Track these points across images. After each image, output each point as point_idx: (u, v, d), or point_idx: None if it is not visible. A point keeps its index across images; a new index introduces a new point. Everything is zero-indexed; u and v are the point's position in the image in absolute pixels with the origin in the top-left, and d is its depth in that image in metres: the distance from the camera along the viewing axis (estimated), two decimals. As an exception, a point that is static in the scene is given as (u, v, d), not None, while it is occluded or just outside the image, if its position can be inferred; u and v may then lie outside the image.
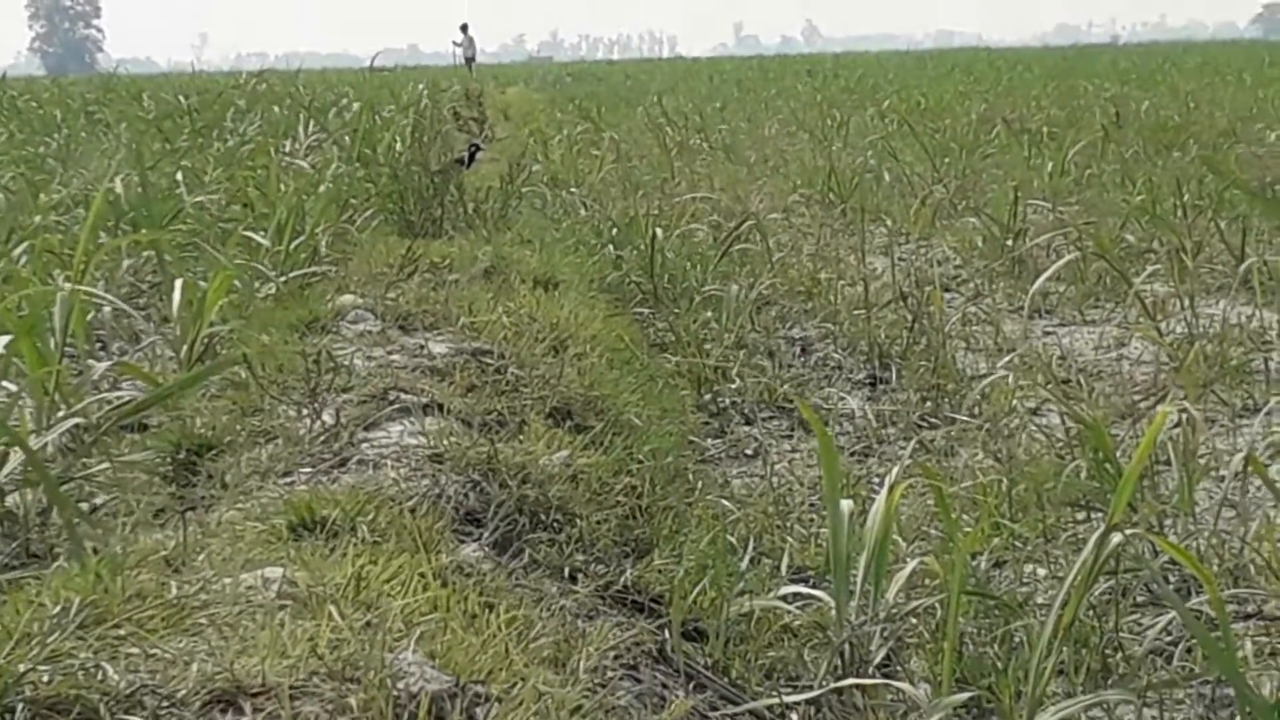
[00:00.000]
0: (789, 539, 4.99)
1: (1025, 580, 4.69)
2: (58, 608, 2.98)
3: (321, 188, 9.50)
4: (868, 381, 7.54)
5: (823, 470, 4.16)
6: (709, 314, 8.25)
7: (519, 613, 3.45)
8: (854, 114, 21.92)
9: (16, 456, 3.99)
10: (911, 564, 4.04)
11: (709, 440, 6.58)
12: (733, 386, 7.16)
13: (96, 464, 4.46)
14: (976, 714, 3.92)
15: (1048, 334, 8.39)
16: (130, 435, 5.00)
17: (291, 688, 2.74)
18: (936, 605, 4.07)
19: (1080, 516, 5.03)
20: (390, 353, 5.77)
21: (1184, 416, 5.12)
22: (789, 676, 4.03)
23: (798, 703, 3.74)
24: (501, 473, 4.40)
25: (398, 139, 11.43)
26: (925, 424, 6.65)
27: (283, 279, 7.33)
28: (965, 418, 6.49)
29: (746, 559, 4.64)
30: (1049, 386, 6.52)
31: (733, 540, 4.78)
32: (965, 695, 3.47)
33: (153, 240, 7.14)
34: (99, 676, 2.73)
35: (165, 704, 2.70)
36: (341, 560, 3.48)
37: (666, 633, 3.90)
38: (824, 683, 3.77)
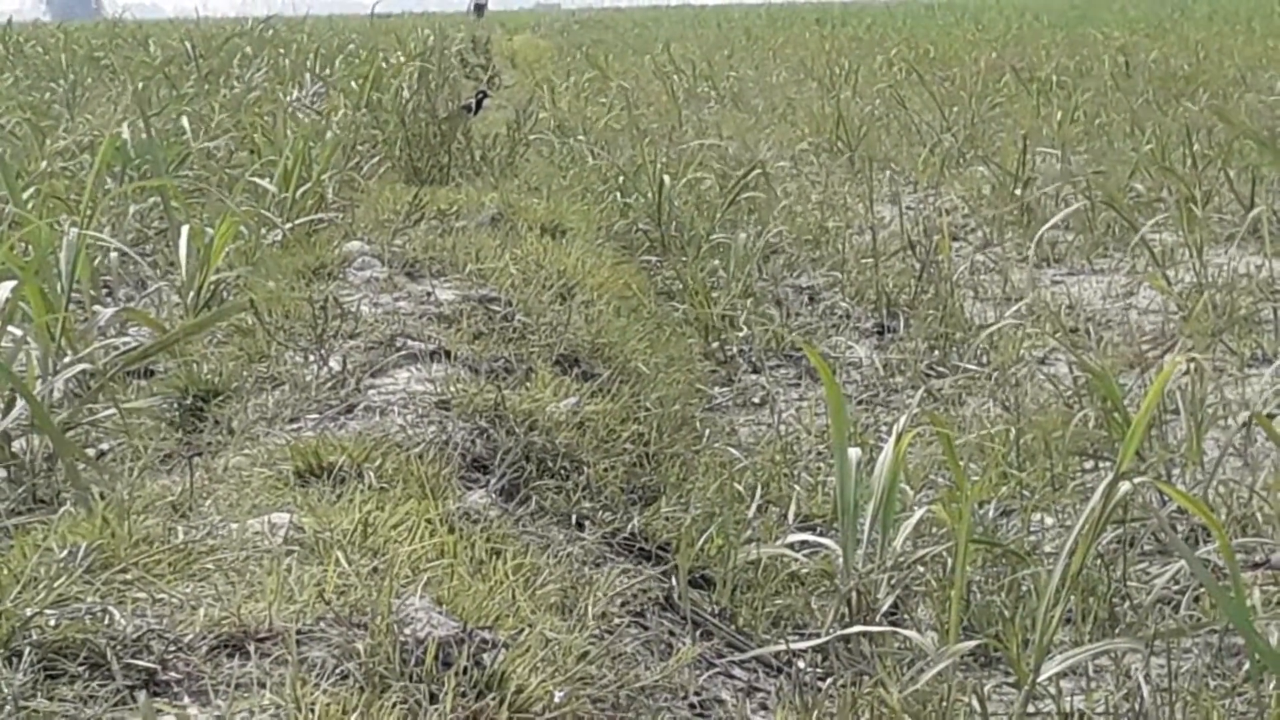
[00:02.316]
0: (796, 487, 4.98)
1: (1033, 529, 4.69)
2: (64, 552, 2.98)
3: (328, 134, 9.47)
4: (875, 330, 7.53)
5: (830, 418, 4.16)
6: (716, 262, 8.22)
7: (526, 559, 3.45)
8: (862, 62, 21.82)
9: (22, 402, 3.98)
10: (919, 512, 4.04)
11: (716, 388, 6.57)
12: (740, 335, 7.15)
13: (103, 410, 4.45)
14: (983, 662, 3.93)
15: (1056, 283, 8.37)
16: (137, 381, 5.00)
17: (298, 632, 2.74)
18: (944, 553, 4.07)
19: (1088, 465, 5.03)
20: (397, 299, 5.76)
21: (1192, 366, 5.11)
22: (796, 624, 4.03)
23: (804, 650, 3.74)
24: (509, 420, 4.40)
25: (405, 86, 11.39)
26: (933, 373, 6.64)
27: (289, 225, 7.32)
28: (973, 366, 6.49)
29: (754, 507, 4.64)
30: (1057, 335, 6.51)
31: (740, 488, 4.78)
32: (972, 643, 3.47)
33: (159, 186, 7.12)
34: (106, 621, 2.73)
35: (172, 648, 2.70)
36: (348, 506, 3.48)
37: (673, 580, 3.90)
38: (831, 630, 3.77)
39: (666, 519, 4.30)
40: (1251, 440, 5.17)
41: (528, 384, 4.86)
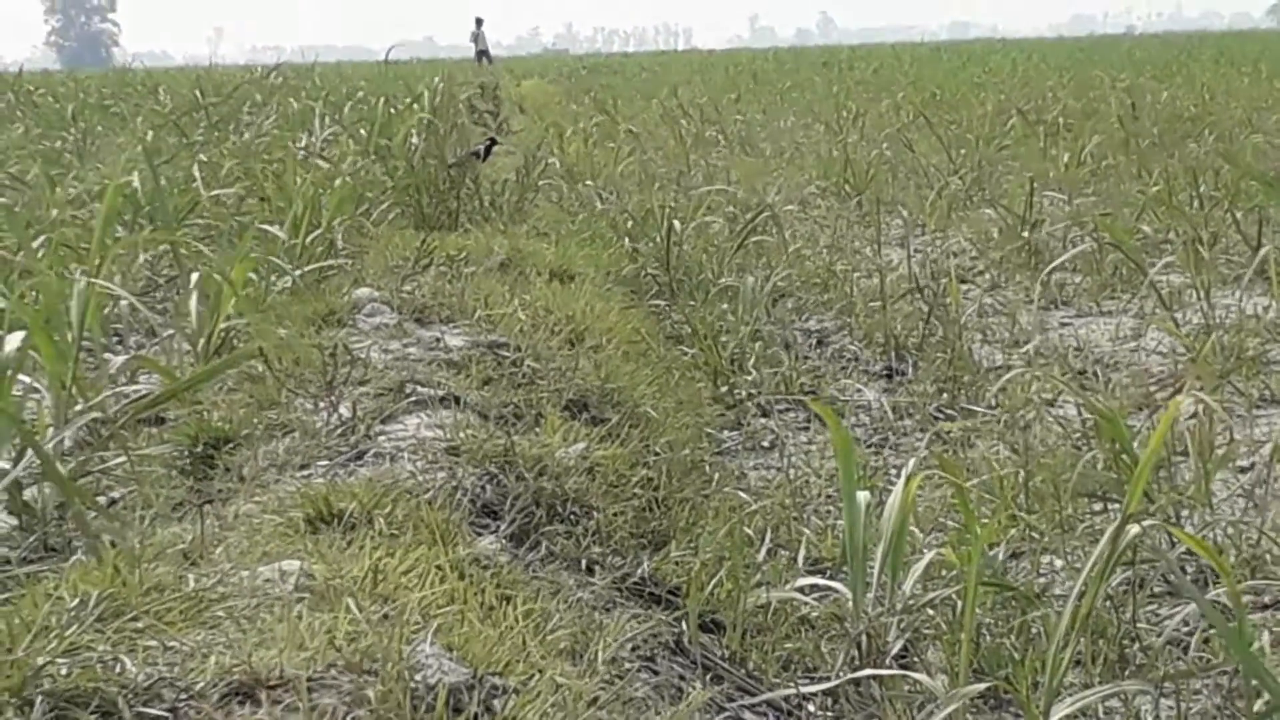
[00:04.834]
0: (806, 531, 4.99)
1: (1042, 571, 4.69)
2: (76, 601, 2.98)
3: (337, 181, 9.49)
4: (884, 373, 7.53)
5: (839, 462, 4.16)
6: (725, 306, 8.25)
7: (536, 605, 3.46)
8: (869, 106, 21.89)
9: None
10: (928, 555, 4.04)
11: (725, 432, 6.58)
12: (749, 378, 7.16)
13: (114, 458, 4.46)
14: (994, 705, 3.92)
15: (1064, 325, 8.38)
16: (148, 429, 5.01)
17: (309, 680, 2.75)
18: (953, 596, 4.07)
19: (1097, 507, 5.02)
20: (406, 346, 5.78)
21: (1201, 407, 5.11)
22: (806, 668, 4.03)
23: (815, 694, 3.75)
24: (518, 465, 4.41)
25: (414, 132, 11.43)
26: (942, 415, 6.65)
27: (299, 272, 7.33)
28: (982, 409, 6.49)
29: (763, 551, 4.64)
30: (1065, 378, 6.51)
31: (749, 532, 4.78)
32: (982, 686, 3.47)
33: (170, 238, 7.14)
34: (117, 669, 2.74)
35: (183, 696, 2.70)
36: (359, 553, 3.48)
37: (684, 624, 3.91)
38: (841, 674, 3.77)
39: (676, 563, 4.31)
40: (1261, 481, 5.17)
41: (537, 429, 4.87)
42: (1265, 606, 4.37)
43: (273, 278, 7.22)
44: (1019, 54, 44.91)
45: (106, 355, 5.45)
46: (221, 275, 6.08)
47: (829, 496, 5.50)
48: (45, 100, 21.20)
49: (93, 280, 5.16)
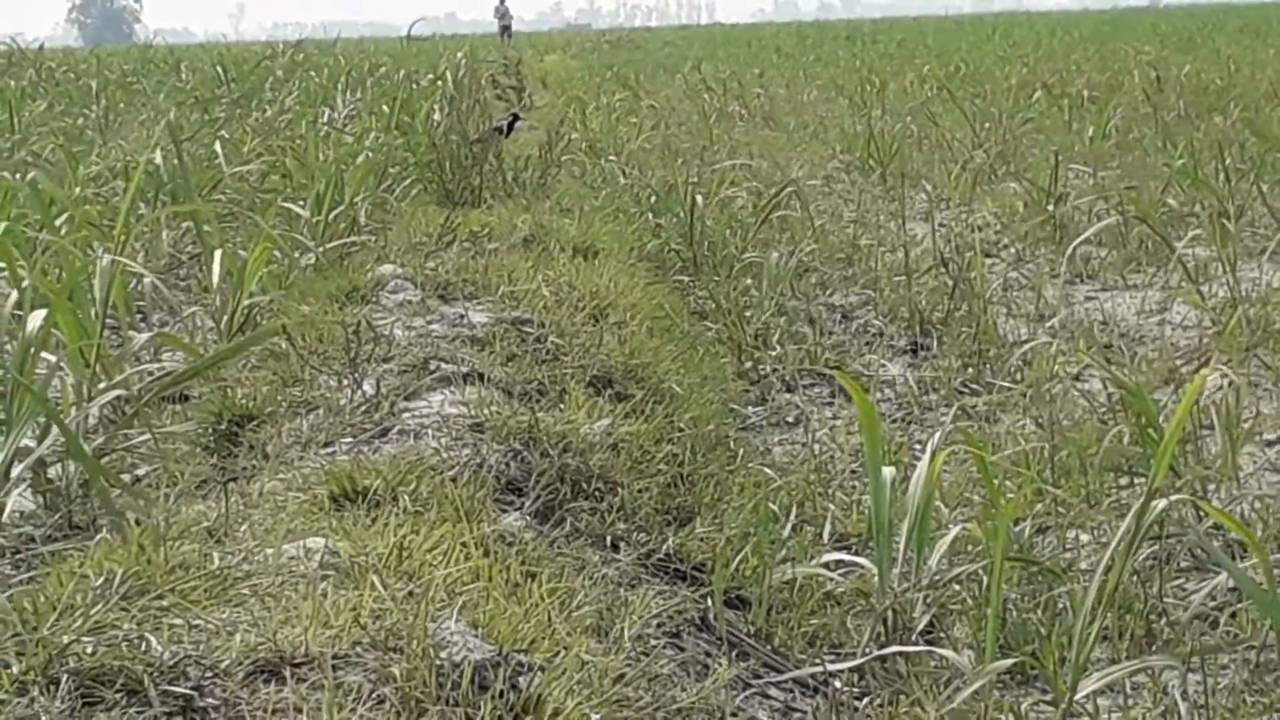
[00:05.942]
0: (831, 506, 4.98)
1: (1068, 546, 4.67)
2: (101, 579, 2.98)
3: (360, 157, 9.49)
4: (909, 348, 7.51)
5: (864, 437, 4.15)
6: (749, 281, 8.22)
7: (561, 582, 3.46)
8: (893, 80, 21.83)
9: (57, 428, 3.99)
10: (954, 530, 4.03)
11: (750, 408, 6.56)
12: (773, 354, 7.14)
13: (138, 435, 4.46)
14: (1020, 680, 3.91)
15: (1090, 299, 8.36)
16: (172, 406, 5.02)
17: (334, 657, 2.74)
18: (979, 572, 4.06)
19: (1124, 482, 5.01)
20: (430, 322, 5.77)
21: (1227, 381, 5.09)
22: (832, 644, 4.03)
23: (841, 670, 3.74)
24: (542, 442, 4.40)
25: (436, 108, 11.41)
26: (967, 390, 6.63)
27: (322, 249, 7.33)
28: (1007, 384, 6.47)
29: (788, 527, 4.63)
30: (1091, 352, 6.49)
31: (774, 508, 4.76)
32: (1009, 662, 3.46)
33: (192, 211, 7.14)
34: (142, 647, 2.74)
35: (209, 674, 2.70)
36: (383, 530, 3.48)
37: (709, 601, 3.90)
38: (867, 650, 3.76)
39: (701, 539, 4.30)
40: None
41: (561, 406, 4.87)
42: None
43: (296, 254, 7.21)
44: (1043, 27, 44.78)
45: (130, 332, 5.44)
46: (245, 252, 6.08)
47: (854, 472, 5.49)
48: (67, 77, 21.21)
49: (116, 257, 5.16)
